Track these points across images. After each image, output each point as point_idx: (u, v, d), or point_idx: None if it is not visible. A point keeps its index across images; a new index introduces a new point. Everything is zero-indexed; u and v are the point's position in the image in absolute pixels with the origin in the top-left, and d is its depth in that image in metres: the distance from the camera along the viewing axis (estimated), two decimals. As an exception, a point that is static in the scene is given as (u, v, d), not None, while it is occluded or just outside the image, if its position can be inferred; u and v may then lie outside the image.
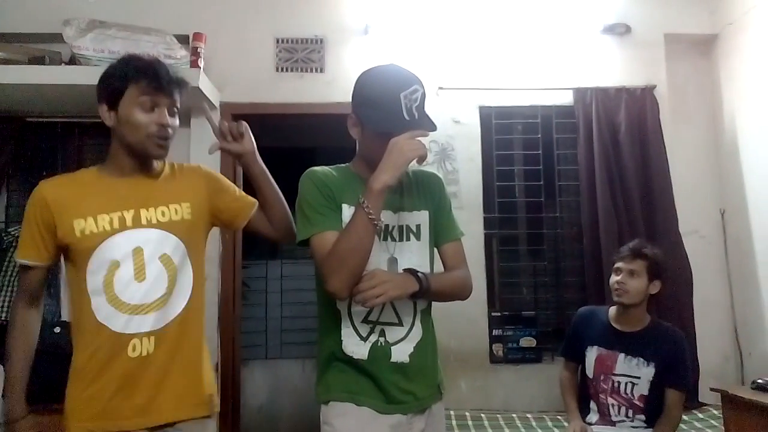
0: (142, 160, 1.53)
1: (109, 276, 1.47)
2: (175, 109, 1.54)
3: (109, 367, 1.45)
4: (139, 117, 1.47)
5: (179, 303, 1.54)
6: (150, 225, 1.51)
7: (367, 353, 1.47)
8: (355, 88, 1.50)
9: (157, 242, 1.51)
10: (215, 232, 3.10)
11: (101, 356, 1.45)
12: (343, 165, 1.59)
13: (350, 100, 1.51)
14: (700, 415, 2.87)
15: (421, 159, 1.37)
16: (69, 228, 1.46)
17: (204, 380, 1.59)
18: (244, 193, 1.73)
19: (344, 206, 1.47)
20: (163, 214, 1.53)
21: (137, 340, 1.46)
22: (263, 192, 1.66)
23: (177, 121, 1.55)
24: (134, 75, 1.48)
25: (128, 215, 1.49)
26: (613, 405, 2.37)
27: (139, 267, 1.49)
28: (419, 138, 1.37)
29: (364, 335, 1.47)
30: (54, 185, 1.52)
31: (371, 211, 1.34)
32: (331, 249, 1.38)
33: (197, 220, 1.60)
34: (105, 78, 1.52)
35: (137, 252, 1.49)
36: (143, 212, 1.51)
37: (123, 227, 1.48)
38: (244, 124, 1.63)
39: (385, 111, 1.40)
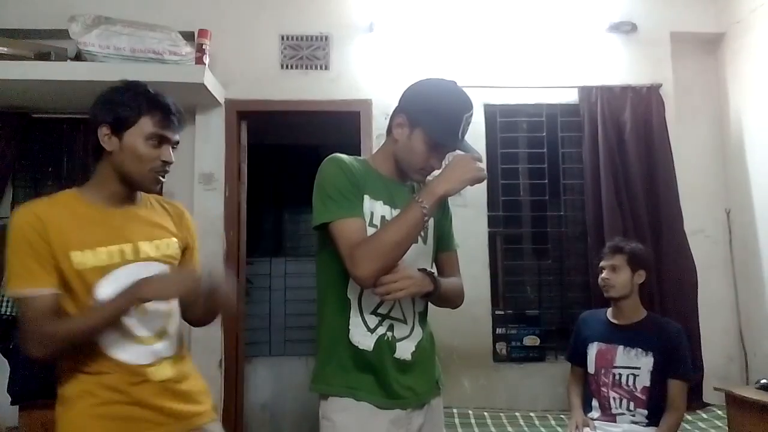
0: (134, 190, 1.51)
1: None
2: (176, 146, 1.52)
3: (131, 391, 1.43)
4: (145, 150, 1.44)
5: (174, 326, 1.55)
6: (149, 258, 1.48)
7: (372, 345, 1.47)
8: (417, 93, 1.52)
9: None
10: (218, 228, 3.15)
11: (117, 385, 1.42)
12: (360, 158, 1.60)
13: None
14: (705, 415, 2.86)
15: (478, 182, 1.41)
16: (65, 259, 1.38)
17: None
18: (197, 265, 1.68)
19: (366, 197, 1.48)
20: (157, 247, 1.51)
21: (154, 368, 1.46)
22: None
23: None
24: (149, 108, 1.44)
25: (127, 248, 1.46)
26: (614, 398, 2.41)
27: None
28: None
29: (372, 327, 1.48)
30: (44, 207, 1.41)
31: (427, 212, 1.37)
32: (372, 237, 1.39)
33: (179, 257, 1.59)
34: (113, 102, 1.45)
35: None
36: (141, 245, 1.48)
37: (123, 261, 1.44)
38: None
39: (447, 125, 1.45)
